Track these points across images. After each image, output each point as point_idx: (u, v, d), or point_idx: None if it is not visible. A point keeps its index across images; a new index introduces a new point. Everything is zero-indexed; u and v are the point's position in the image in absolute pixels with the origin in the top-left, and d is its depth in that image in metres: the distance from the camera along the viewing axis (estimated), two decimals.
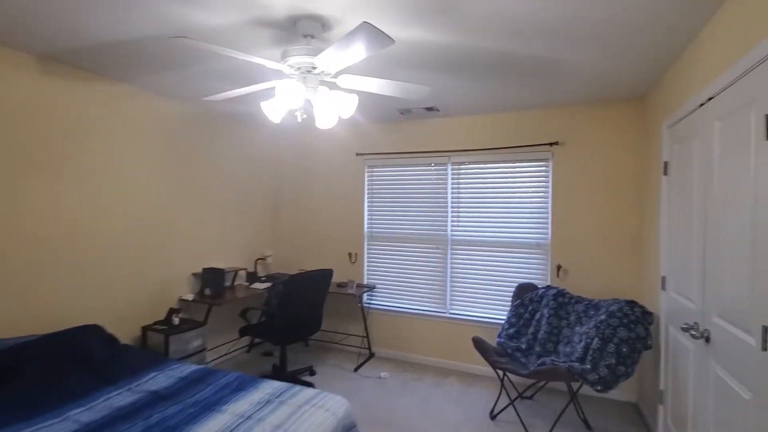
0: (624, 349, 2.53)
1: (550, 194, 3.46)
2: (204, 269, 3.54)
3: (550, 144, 3.43)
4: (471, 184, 3.76)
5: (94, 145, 2.80)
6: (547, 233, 3.48)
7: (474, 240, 3.74)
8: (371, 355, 4.09)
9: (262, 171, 4.46)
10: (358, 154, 4.20)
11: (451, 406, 3.07)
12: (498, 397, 3.06)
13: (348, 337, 4.26)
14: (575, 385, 3.24)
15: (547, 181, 3.49)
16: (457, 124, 3.78)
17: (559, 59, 2.39)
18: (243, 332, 3.31)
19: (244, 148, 4.18)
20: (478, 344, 2.87)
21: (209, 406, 1.84)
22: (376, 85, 1.93)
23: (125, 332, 3.01)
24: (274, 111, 1.94)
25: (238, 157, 4.11)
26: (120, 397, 1.93)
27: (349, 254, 4.27)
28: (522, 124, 3.55)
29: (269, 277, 4.24)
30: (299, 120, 1.98)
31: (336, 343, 4.33)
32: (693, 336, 1.94)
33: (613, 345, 2.55)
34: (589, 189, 3.34)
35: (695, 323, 2.01)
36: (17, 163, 2.37)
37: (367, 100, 3.26)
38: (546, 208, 3.49)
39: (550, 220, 3.46)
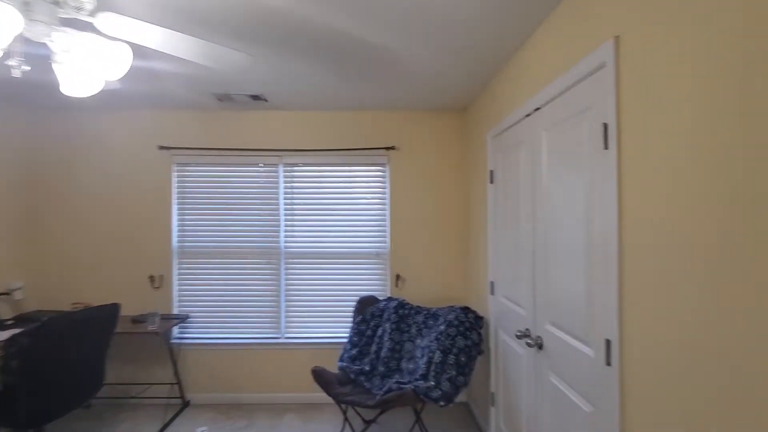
0: (462, 359, 2.49)
1: (387, 200, 3.32)
2: None
3: (387, 148, 3.29)
4: (306, 188, 3.33)
5: None
6: (386, 241, 3.33)
7: (311, 252, 3.33)
8: (185, 405, 3.22)
9: (2, 165, 3.07)
10: (162, 148, 3.28)
11: None
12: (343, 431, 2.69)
13: (151, 387, 3.27)
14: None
15: (384, 187, 3.34)
16: (290, 119, 3.30)
17: (399, 53, 2.18)
18: None
19: None
20: (319, 377, 2.46)
21: None
22: (161, 37, 1.29)
23: None
24: None
25: None
26: None
27: (151, 277, 3.29)
28: (360, 125, 3.32)
29: (21, 320, 2.92)
30: (17, 74, 1.18)
31: (133, 397, 3.27)
32: (528, 344, 1.95)
33: (452, 356, 2.49)
34: (422, 195, 3.33)
35: (527, 329, 2.04)
36: None
37: (170, 73, 2.49)
38: (385, 214, 3.34)
39: (388, 228, 3.32)
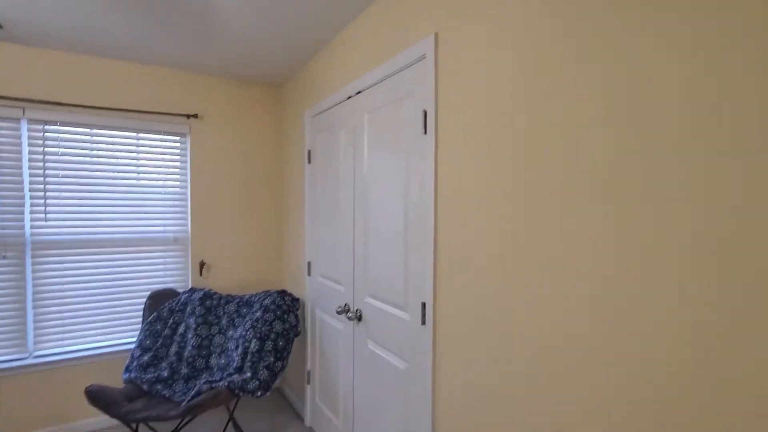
0: (281, 343, 2.41)
1: (188, 176, 2.87)
2: None
3: (188, 116, 2.82)
4: (70, 156, 2.53)
5: None
6: (186, 224, 2.88)
7: (77, 240, 2.56)
8: None
9: None
10: None
11: None
12: None
13: None
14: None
15: (185, 161, 2.87)
16: (44, 60, 2.42)
17: (216, 4, 1.88)
18: None
19: None
20: (96, 398, 1.93)
21: None
22: None
23: None
24: None
25: None
26: None
27: None
28: (154, 84, 2.73)
29: None
30: None
31: None
32: (349, 318, 2.04)
33: (270, 342, 2.38)
34: (231, 172, 3.03)
35: (346, 305, 2.13)
36: None
37: None
38: (185, 193, 2.87)
39: (189, 208, 2.88)
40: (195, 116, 2.84)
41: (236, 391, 2.11)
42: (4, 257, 2.40)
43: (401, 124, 1.65)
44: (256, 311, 2.53)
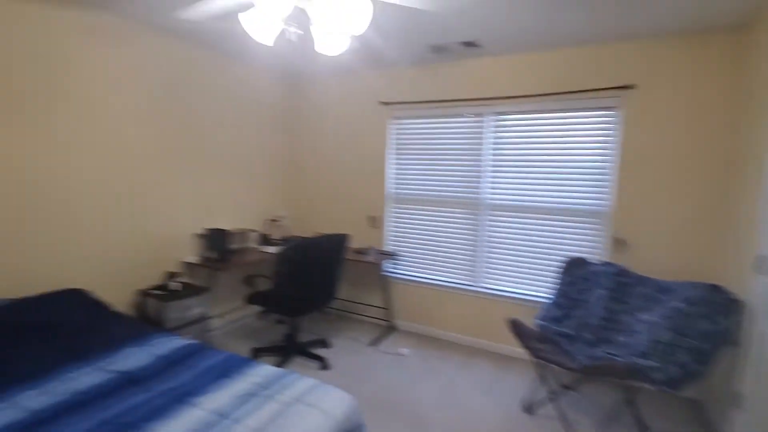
0: (704, 346, 2.00)
1: (616, 152, 2.82)
2: (207, 230, 3.22)
3: (619, 88, 2.75)
4: (514, 138, 3.16)
5: (77, 88, 2.44)
6: (606, 199, 2.89)
7: (514, 205, 3.20)
8: (392, 329, 3.74)
9: (273, 123, 4.02)
10: (382, 103, 3.66)
11: (480, 393, 2.68)
12: (536, 389, 2.62)
13: (368, 307, 3.91)
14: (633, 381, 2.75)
15: (611, 136, 2.85)
16: (501, 65, 3.14)
17: None
18: (248, 301, 3.02)
19: (250, 96, 3.73)
20: (516, 327, 2.42)
21: (181, 397, 1.51)
22: None
23: (119, 298, 2.69)
24: (257, 26, 1.46)
25: (243, 107, 3.67)
26: (87, 378, 1.64)
27: (370, 218, 3.83)
28: (581, 63, 2.87)
29: (285, 240, 3.91)
30: (293, 38, 1.49)
31: (355, 313, 4.00)
32: None
33: (688, 339, 2.03)
34: (664, 145, 2.69)
35: None
36: None
37: (391, 29, 2.68)
38: (607, 168, 2.87)
39: (613, 184, 2.85)
40: (628, 87, 2.73)
41: (637, 374, 1.99)
42: (470, 213, 3.38)
43: None
44: (676, 301, 2.22)
